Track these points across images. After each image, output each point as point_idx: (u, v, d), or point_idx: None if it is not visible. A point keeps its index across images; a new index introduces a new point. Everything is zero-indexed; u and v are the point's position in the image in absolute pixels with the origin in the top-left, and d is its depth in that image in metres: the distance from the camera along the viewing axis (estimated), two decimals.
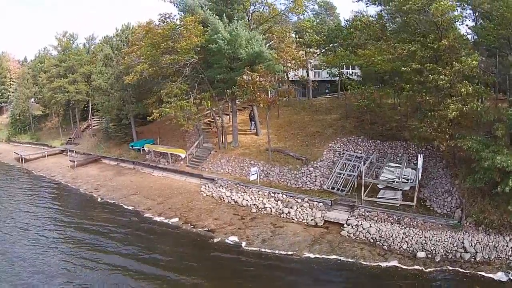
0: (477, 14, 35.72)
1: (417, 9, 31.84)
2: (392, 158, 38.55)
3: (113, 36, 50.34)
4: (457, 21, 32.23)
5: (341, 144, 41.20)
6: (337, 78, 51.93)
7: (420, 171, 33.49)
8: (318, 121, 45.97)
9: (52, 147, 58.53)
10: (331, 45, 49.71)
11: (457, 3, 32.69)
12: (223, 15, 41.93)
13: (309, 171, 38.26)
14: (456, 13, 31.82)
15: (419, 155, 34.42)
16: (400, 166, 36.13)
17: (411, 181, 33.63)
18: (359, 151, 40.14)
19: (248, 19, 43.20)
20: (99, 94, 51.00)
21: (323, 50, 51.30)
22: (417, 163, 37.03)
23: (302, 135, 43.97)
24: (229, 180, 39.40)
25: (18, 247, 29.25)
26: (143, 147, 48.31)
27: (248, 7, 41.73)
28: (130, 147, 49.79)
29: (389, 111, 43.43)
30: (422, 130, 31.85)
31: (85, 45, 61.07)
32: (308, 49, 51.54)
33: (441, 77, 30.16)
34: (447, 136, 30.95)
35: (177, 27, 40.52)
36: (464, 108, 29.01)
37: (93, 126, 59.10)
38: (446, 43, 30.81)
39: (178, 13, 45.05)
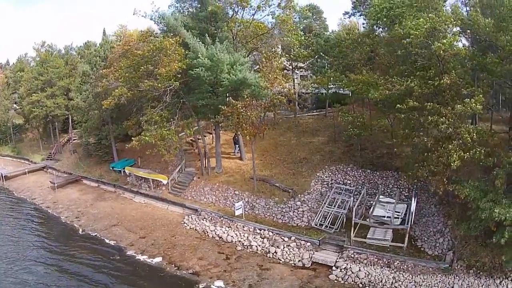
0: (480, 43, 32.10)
1: (418, 43, 28.44)
2: (383, 190, 35.60)
3: (92, 51, 45.84)
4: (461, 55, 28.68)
5: (330, 174, 37.97)
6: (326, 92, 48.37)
7: (413, 213, 30.73)
8: (305, 145, 42.46)
9: (32, 163, 54.43)
10: (319, 60, 46.08)
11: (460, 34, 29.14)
12: (207, 34, 38.12)
13: (296, 205, 35.10)
14: (460, 44, 28.25)
15: (413, 198, 31.71)
16: (392, 201, 33.16)
17: (403, 216, 30.97)
18: (349, 181, 37.01)
19: (233, 37, 39.10)
20: (78, 113, 46.94)
21: (310, 72, 47.51)
22: (408, 195, 34.48)
23: (289, 161, 40.45)
24: (213, 212, 36.11)
25: None
26: (124, 168, 44.62)
27: (232, 27, 37.57)
28: (111, 168, 46.08)
29: (380, 133, 39.93)
30: (419, 172, 28.92)
31: (63, 56, 55.91)
32: (295, 63, 47.76)
33: (441, 119, 27.13)
34: (444, 180, 28.01)
35: (157, 50, 36.27)
36: (466, 156, 26.11)
37: (74, 139, 54.95)
38: (448, 81, 27.67)
39: (159, 30, 40.73)
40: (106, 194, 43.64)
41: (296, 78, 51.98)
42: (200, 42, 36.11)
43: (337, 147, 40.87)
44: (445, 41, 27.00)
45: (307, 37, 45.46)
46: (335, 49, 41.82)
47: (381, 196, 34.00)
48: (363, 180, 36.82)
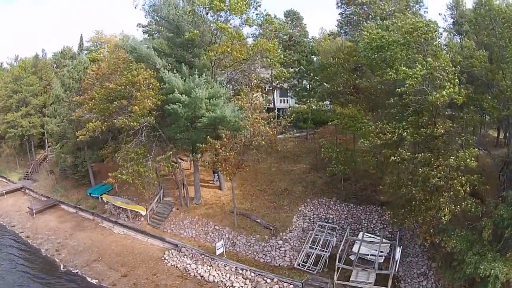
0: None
1: (413, 91, 26.03)
2: (366, 226, 33.69)
3: (65, 72, 42.06)
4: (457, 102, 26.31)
5: (312, 208, 35.76)
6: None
7: (398, 261, 29.06)
8: (286, 173, 39.88)
9: (10, 181, 50.95)
10: (300, 80, 43.22)
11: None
12: (184, 62, 35.10)
13: (278, 244, 32.93)
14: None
15: (397, 244, 29.93)
16: (376, 240, 31.32)
17: (386, 255, 29.91)
18: (331, 216, 34.93)
19: (211, 64, 35.98)
20: (52, 138, 43.62)
21: (291, 93, 44.59)
22: (392, 231, 32.77)
23: (270, 192, 37.96)
24: (193, 248, 33.76)
25: None
26: (101, 195, 41.83)
27: (211, 56, 34.38)
28: (88, 194, 43.19)
29: (362, 161, 37.48)
30: (405, 223, 27.88)
31: (37, 67, 51.42)
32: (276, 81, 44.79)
33: (433, 172, 25.37)
34: (431, 231, 26.58)
35: (130, 83, 33.13)
36: (457, 210, 24.71)
37: (50, 156, 51.34)
38: (442, 131, 25.72)
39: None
40: (84, 223, 40.82)
41: (277, 94, 49.05)
42: (177, 75, 32.93)
43: (319, 176, 38.48)
44: (444, 92, 24.62)
45: (287, 55, 42.19)
46: (319, 73, 38.82)
47: (365, 234, 32.17)
48: (346, 215, 34.79)
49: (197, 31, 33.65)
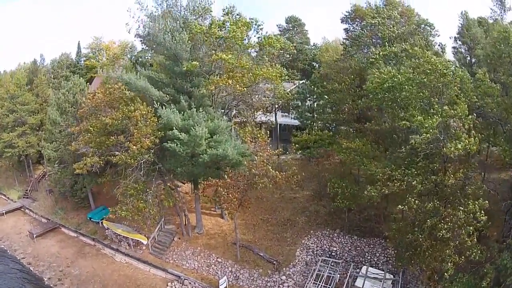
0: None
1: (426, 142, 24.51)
2: (370, 259, 32.68)
3: (61, 95, 39.96)
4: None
5: (315, 240, 34.68)
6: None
7: None
8: (288, 201, 38.56)
9: (9, 199, 49.42)
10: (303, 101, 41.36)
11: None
12: (182, 92, 33.27)
13: (281, 279, 31.98)
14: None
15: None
16: (380, 276, 30.36)
17: None
18: (335, 248, 33.89)
19: (212, 96, 34.16)
20: (49, 164, 42.00)
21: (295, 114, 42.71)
22: (395, 264, 31.82)
23: (272, 222, 36.76)
24: (196, 281, 32.95)
25: None
26: (102, 219, 40.58)
27: (211, 90, 32.52)
28: (88, 218, 41.86)
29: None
30: (409, 268, 27.74)
31: (32, 86, 49.09)
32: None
33: (439, 225, 24.19)
34: (435, 277, 26.01)
35: (127, 118, 31.44)
36: (461, 261, 24.09)
37: (49, 173, 49.46)
38: (453, 181, 24.50)
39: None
40: (86, 248, 39.72)
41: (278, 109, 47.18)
42: (175, 110, 31.13)
43: (322, 205, 37.24)
44: (459, 146, 23.36)
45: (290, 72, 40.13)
46: (324, 98, 37.01)
47: (369, 269, 31.16)
48: (349, 247, 33.78)
49: (196, 62, 31.63)
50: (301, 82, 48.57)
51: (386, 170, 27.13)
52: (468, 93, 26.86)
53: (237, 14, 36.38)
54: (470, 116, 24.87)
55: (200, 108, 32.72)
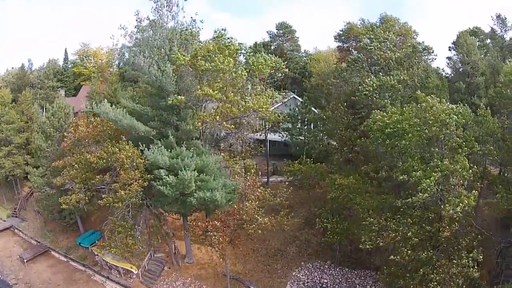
0: None
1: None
2: None
3: (45, 119, 38.23)
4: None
5: (306, 272, 34.07)
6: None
7: None
8: (279, 230, 37.32)
9: None
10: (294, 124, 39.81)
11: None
12: (169, 125, 31.73)
13: None
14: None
15: None
16: None
17: None
18: (325, 280, 33.25)
19: (200, 131, 32.60)
20: (36, 190, 40.57)
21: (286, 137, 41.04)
22: None
23: (262, 252, 35.95)
24: None
25: None
26: (91, 244, 39.58)
27: (198, 126, 30.96)
28: (78, 243, 40.77)
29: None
30: None
31: (17, 104, 47.02)
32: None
33: (432, 275, 24.20)
34: None
35: (113, 155, 29.98)
36: None
37: (37, 198, 47.79)
38: (448, 233, 23.96)
39: None
40: (76, 274, 38.87)
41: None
42: (162, 149, 29.63)
43: (313, 234, 36.40)
44: (458, 208, 22.83)
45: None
46: (318, 126, 35.61)
47: None
48: (340, 280, 33.30)
49: (182, 97, 29.93)
50: (291, 96, 46.77)
51: (381, 221, 26.38)
52: (470, 138, 25.78)
53: (228, 38, 34.40)
54: (470, 171, 24.05)
55: (188, 141, 31.52)
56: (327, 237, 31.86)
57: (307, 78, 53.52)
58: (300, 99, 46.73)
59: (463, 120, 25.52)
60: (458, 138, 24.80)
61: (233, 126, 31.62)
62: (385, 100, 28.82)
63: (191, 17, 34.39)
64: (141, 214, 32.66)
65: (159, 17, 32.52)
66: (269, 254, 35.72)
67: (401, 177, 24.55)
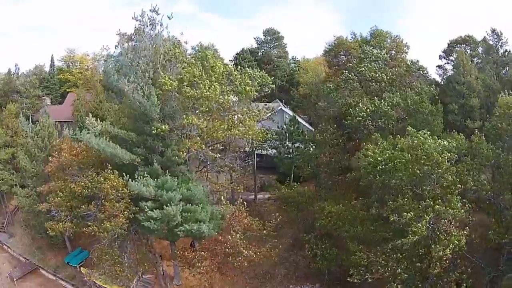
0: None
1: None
2: None
3: (29, 139, 36.92)
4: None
5: None
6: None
7: None
8: (267, 250, 36.77)
9: None
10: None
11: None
12: (154, 152, 30.54)
13: None
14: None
15: None
16: None
17: None
18: None
19: (186, 160, 31.44)
20: (22, 211, 39.50)
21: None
22: None
23: (251, 275, 35.05)
24: None
25: None
26: (79, 264, 38.82)
27: (183, 157, 29.81)
28: (66, 262, 39.94)
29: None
30: None
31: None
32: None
33: None
34: None
35: (97, 183, 29.01)
36: None
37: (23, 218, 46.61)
38: (439, 269, 23.64)
39: None
40: None
41: None
42: (147, 177, 28.53)
43: (302, 255, 35.58)
44: (448, 251, 22.74)
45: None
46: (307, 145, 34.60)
47: None
48: None
49: (166, 126, 28.74)
50: (278, 108, 45.44)
51: (370, 255, 25.82)
52: (463, 173, 25.42)
53: (215, 49, 33.12)
54: (462, 210, 23.72)
55: (174, 167, 30.47)
56: (317, 262, 31.36)
57: (295, 86, 52.39)
58: (289, 112, 45.69)
59: (456, 156, 24.65)
60: (450, 177, 23.94)
61: (219, 155, 30.42)
62: (376, 134, 27.68)
63: (175, 38, 33.47)
64: (128, 241, 31.77)
65: (142, 38, 31.19)
66: (257, 277, 35.17)
67: (392, 218, 23.82)
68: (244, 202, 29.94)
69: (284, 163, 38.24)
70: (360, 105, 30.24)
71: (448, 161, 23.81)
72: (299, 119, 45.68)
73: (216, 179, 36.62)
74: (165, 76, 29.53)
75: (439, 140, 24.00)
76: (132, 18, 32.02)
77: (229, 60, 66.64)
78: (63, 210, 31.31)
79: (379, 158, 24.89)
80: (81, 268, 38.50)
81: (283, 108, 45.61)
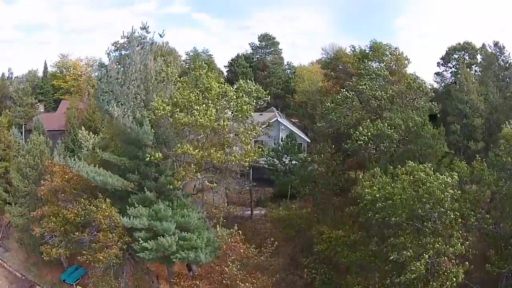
0: None
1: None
2: None
3: (20, 159, 35.72)
4: None
5: None
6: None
7: None
8: (263, 270, 35.74)
9: None
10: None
11: None
12: (147, 178, 29.42)
13: None
14: None
15: None
16: None
17: None
18: None
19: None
20: (16, 230, 38.46)
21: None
22: None
23: None
24: None
25: None
26: (75, 282, 37.99)
27: (178, 185, 28.60)
28: (62, 280, 39.10)
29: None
30: None
31: None
32: None
33: None
34: None
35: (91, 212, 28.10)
36: None
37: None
38: None
39: None
40: None
41: None
42: (139, 209, 27.48)
43: (299, 274, 34.67)
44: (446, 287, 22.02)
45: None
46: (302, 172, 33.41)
47: None
48: None
49: (160, 154, 27.51)
50: (274, 118, 44.06)
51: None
52: (465, 208, 24.75)
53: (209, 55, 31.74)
54: (463, 246, 23.03)
55: (169, 192, 29.39)
56: (316, 287, 30.54)
57: (290, 93, 51.12)
58: (285, 123, 44.40)
59: (459, 192, 23.63)
60: (452, 214, 22.95)
61: (215, 184, 29.27)
62: (376, 168, 26.47)
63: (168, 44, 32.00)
64: (123, 266, 30.93)
65: (132, 58, 29.71)
66: None
67: (392, 256, 22.91)
68: (239, 231, 28.64)
69: (280, 181, 37.11)
70: (361, 128, 29.04)
71: (450, 199, 22.82)
72: (294, 130, 44.58)
73: (212, 200, 35.63)
74: (158, 100, 28.20)
75: (442, 176, 22.86)
76: (122, 37, 30.86)
77: (224, 66, 65.96)
78: (57, 235, 30.71)
79: (377, 195, 23.85)
80: (78, 286, 37.76)
81: (279, 120, 44.29)
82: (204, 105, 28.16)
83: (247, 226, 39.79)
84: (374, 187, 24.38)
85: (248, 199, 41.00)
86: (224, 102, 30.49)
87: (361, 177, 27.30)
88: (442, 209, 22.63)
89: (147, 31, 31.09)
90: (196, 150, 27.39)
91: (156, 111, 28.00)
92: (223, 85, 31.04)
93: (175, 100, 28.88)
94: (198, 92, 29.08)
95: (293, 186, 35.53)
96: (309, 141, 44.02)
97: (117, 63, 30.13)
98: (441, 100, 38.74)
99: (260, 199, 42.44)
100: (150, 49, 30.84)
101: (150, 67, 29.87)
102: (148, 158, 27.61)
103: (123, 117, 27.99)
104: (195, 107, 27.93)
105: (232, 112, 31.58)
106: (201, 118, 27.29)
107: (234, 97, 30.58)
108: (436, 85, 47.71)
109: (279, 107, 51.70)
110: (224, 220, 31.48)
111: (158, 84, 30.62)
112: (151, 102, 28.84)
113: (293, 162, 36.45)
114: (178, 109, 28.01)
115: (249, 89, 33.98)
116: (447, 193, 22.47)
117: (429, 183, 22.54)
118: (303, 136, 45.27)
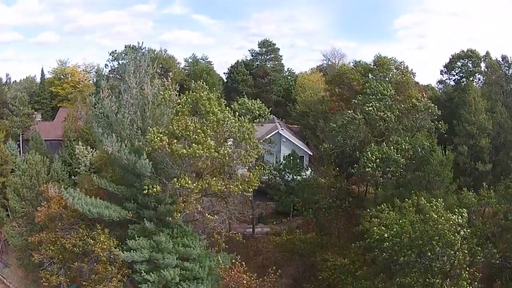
0: None
1: None
2: None
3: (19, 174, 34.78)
4: None
5: None
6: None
7: None
8: None
9: None
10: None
11: None
12: (146, 207, 28.31)
13: None
14: None
15: None
16: None
17: None
18: None
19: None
20: (15, 248, 37.58)
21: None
22: None
23: None
24: None
25: None
26: None
27: (177, 218, 27.40)
28: None
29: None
30: None
31: None
32: None
33: None
34: None
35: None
36: None
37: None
38: None
39: None
40: None
41: None
42: (139, 241, 26.45)
43: None
44: None
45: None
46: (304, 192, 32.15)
47: None
48: None
49: (158, 187, 26.28)
50: (275, 131, 42.57)
51: None
52: (473, 244, 23.73)
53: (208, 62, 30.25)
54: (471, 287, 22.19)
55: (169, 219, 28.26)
56: None
57: (291, 102, 49.62)
58: (287, 136, 42.96)
59: (468, 231, 22.51)
60: (461, 255, 21.87)
61: (216, 217, 28.13)
62: (383, 205, 25.22)
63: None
64: None
65: (127, 86, 28.18)
66: None
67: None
68: (243, 264, 27.54)
69: (283, 202, 35.91)
70: (369, 154, 27.71)
71: (460, 240, 21.75)
72: (296, 142, 43.17)
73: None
74: (153, 130, 26.67)
75: (453, 217, 21.68)
76: (114, 59, 29.22)
77: (224, 73, 63.84)
78: (55, 262, 30.16)
79: (385, 235, 22.71)
80: None
81: (280, 132, 42.78)
82: (203, 134, 26.81)
83: (249, 245, 38.94)
84: (382, 226, 23.25)
85: (249, 214, 39.84)
86: (225, 129, 29.11)
87: (368, 210, 25.94)
88: (452, 251, 21.60)
89: (141, 49, 29.66)
90: (195, 184, 26.12)
91: (154, 145, 26.59)
92: (224, 111, 29.56)
93: (171, 129, 27.47)
94: (196, 120, 27.74)
95: (296, 209, 34.42)
96: (311, 153, 42.69)
97: (109, 87, 28.72)
98: (444, 107, 37.67)
99: (261, 215, 41.28)
100: (146, 72, 29.40)
101: (147, 92, 28.35)
102: (146, 191, 26.43)
103: (119, 150, 26.64)
104: (193, 136, 26.60)
105: (233, 139, 30.40)
106: (200, 150, 25.95)
107: (236, 125, 29.15)
108: (438, 92, 46.66)
109: (280, 115, 50.20)
110: (227, 246, 30.47)
111: (156, 110, 29.09)
112: (148, 133, 27.39)
113: (296, 177, 35.25)
114: (175, 140, 26.61)
115: (252, 107, 32.75)
116: (458, 236, 21.42)
117: (440, 225, 21.40)
118: (304, 148, 44.15)
